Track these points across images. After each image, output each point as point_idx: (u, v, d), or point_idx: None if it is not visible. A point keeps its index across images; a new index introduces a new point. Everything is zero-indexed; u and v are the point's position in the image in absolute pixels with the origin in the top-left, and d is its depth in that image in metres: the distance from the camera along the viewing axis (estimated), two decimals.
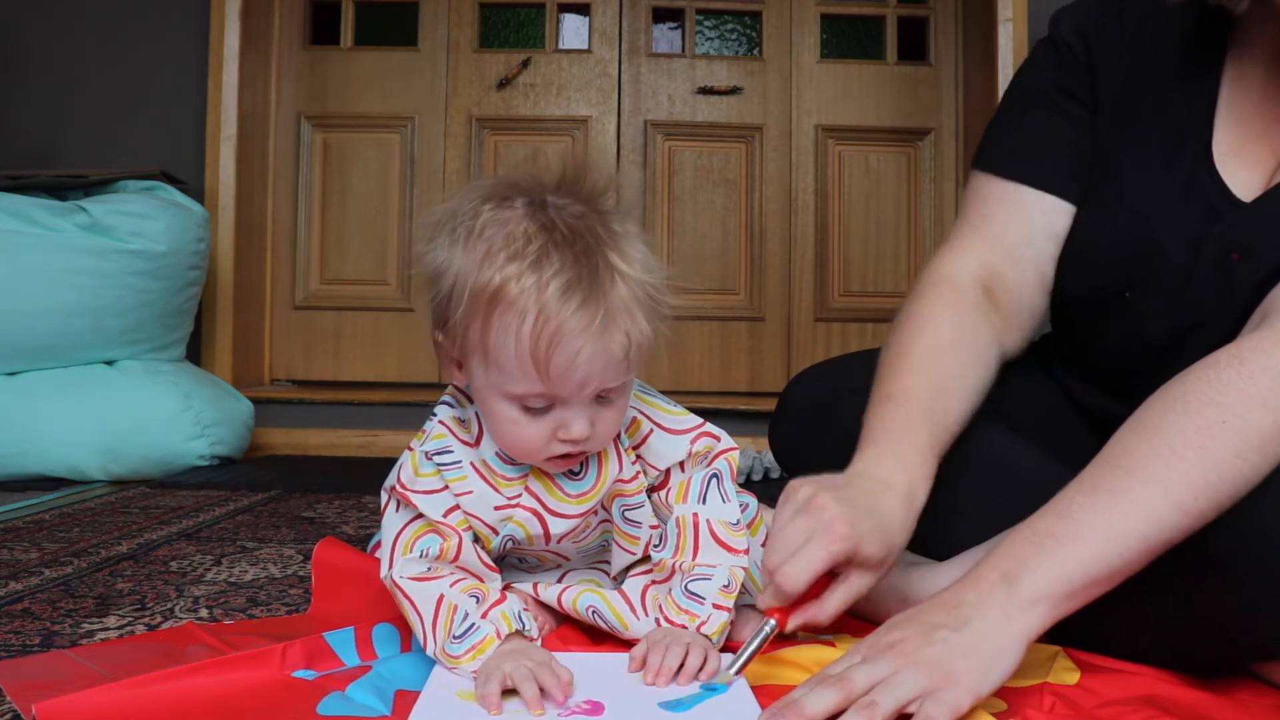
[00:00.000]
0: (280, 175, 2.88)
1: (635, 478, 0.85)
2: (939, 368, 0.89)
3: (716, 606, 0.82)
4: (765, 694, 0.75)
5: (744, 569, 0.85)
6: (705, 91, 2.92)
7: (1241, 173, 0.88)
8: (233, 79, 2.65)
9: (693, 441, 0.85)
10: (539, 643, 0.81)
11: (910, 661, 0.66)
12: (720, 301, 2.91)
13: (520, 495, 0.83)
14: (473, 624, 0.78)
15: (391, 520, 0.83)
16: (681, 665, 0.77)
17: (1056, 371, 1.05)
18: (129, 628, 0.96)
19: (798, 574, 0.72)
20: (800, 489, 0.77)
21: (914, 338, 0.91)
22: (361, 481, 2.01)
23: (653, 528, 0.88)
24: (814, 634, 0.89)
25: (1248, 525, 0.70)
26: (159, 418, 2.07)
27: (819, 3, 2.95)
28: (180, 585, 1.14)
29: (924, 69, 2.94)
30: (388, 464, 0.91)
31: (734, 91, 2.92)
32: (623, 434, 0.85)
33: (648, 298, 0.75)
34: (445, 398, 0.86)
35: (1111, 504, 0.70)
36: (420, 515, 0.82)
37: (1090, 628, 0.76)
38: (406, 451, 0.84)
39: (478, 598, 0.80)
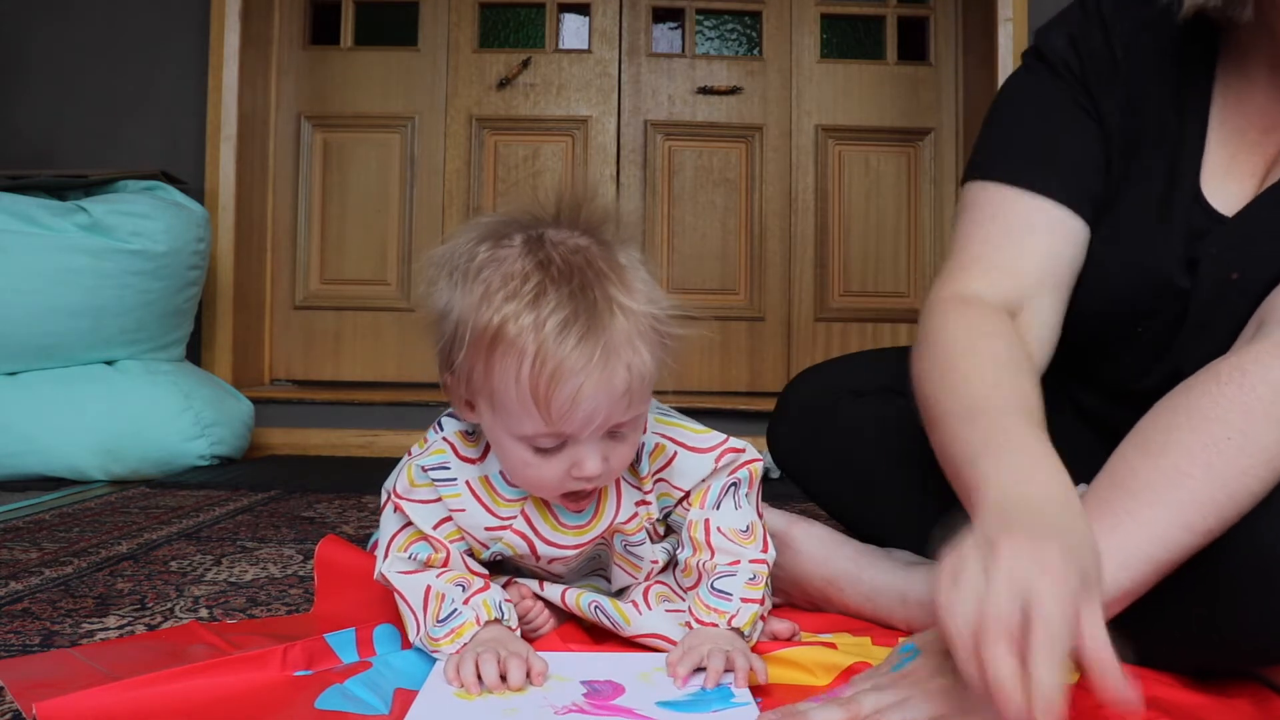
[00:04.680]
0: (280, 175, 2.88)
1: (633, 518, 0.85)
2: (1014, 379, 0.77)
3: (745, 600, 0.82)
4: (764, 694, 0.75)
5: (767, 565, 0.85)
6: (705, 91, 2.92)
7: (1232, 185, 0.86)
8: (233, 79, 2.65)
9: (717, 459, 0.85)
10: (518, 633, 0.82)
11: (921, 690, 0.65)
12: (720, 301, 2.91)
13: (515, 518, 0.84)
14: (455, 609, 0.80)
15: (389, 521, 0.86)
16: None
17: (1058, 374, 1.04)
18: (129, 628, 0.96)
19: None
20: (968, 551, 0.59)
21: (964, 354, 0.79)
22: (361, 481, 2.01)
23: (653, 562, 0.88)
24: (814, 634, 0.89)
25: (1253, 537, 0.69)
26: (159, 418, 2.07)
27: (819, 3, 2.95)
28: (180, 585, 1.14)
29: (924, 69, 2.93)
30: (388, 464, 0.91)
31: (734, 91, 2.92)
32: (645, 460, 0.85)
33: (650, 329, 0.74)
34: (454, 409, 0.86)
35: (1118, 526, 0.68)
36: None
37: None
38: (407, 456, 0.85)
39: (463, 585, 0.82)
